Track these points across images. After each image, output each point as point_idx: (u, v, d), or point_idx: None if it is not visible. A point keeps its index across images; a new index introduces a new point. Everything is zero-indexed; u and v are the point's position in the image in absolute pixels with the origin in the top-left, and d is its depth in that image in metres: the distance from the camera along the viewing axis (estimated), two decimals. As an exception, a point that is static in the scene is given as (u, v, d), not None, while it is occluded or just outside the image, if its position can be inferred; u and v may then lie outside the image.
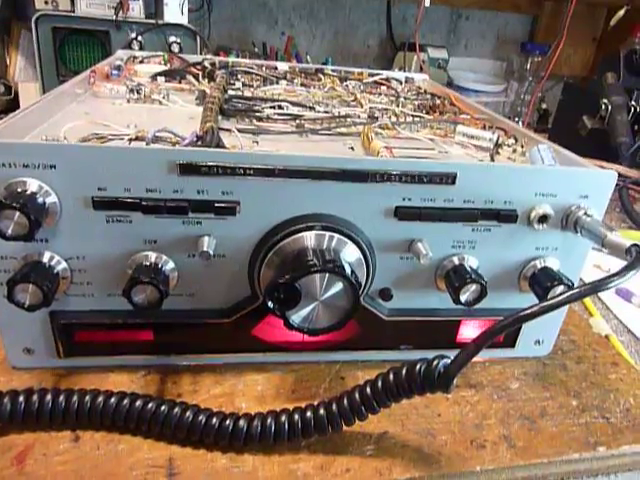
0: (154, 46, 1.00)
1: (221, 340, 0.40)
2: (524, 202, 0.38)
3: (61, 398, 0.33)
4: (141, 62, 0.69)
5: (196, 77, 0.62)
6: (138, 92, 0.53)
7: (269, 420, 0.33)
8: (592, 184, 0.38)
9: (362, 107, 0.56)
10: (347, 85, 0.67)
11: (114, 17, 1.00)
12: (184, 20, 1.06)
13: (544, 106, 1.54)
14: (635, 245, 0.33)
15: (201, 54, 1.01)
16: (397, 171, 0.35)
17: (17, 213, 0.30)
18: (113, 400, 0.34)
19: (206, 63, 0.68)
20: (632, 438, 0.38)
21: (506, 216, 0.38)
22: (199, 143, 0.38)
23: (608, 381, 0.45)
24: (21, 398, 0.33)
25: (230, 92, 0.56)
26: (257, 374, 0.41)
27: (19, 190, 0.31)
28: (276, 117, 0.49)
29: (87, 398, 0.34)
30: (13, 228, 0.30)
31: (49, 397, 0.33)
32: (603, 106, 1.08)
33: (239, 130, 0.44)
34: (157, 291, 0.34)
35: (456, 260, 0.39)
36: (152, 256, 0.35)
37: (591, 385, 0.44)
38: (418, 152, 0.45)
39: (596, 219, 0.37)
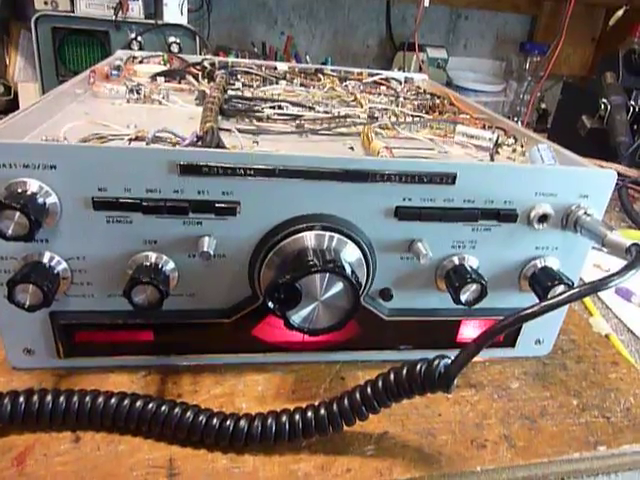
0: (154, 46, 1.00)
1: (221, 340, 0.40)
2: (524, 202, 0.38)
3: (61, 399, 0.33)
4: (141, 62, 0.69)
5: (196, 77, 0.62)
6: (138, 92, 0.53)
7: (270, 420, 0.33)
8: (592, 183, 0.38)
9: (362, 107, 0.56)
10: (347, 85, 0.67)
11: (114, 17, 1.00)
12: (183, 20, 1.06)
13: (543, 106, 1.54)
14: (635, 244, 0.33)
15: (201, 54, 1.01)
16: (397, 171, 0.35)
17: (17, 213, 0.30)
18: (113, 401, 0.34)
19: (206, 63, 0.68)
20: (632, 437, 0.39)
21: (506, 216, 0.38)
22: (199, 143, 0.38)
23: (608, 380, 0.45)
24: (21, 399, 0.33)
25: (230, 92, 0.56)
26: (257, 374, 0.41)
27: (19, 190, 0.31)
28: (276, 117, 0.49)
29: (87, 399, 0.34)
30: (13, 228, 0.30)
31: (49, 398, 0.33)
32: (602, 106, 1.08)
33: (239, 130, 0.44)
34: (157, 291, 0.34)
35: (456, 260, 0.39)
36: (152, 256, 0.35)
37: (591, 384, 0.44)
38: (418, 152, 0.45)
39: (596, 218, 0.37)
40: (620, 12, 1.26)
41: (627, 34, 1.20)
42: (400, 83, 0.74)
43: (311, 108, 0.53)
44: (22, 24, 1.12)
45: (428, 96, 0.67)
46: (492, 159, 0.45)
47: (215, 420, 0.33)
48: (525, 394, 0.42)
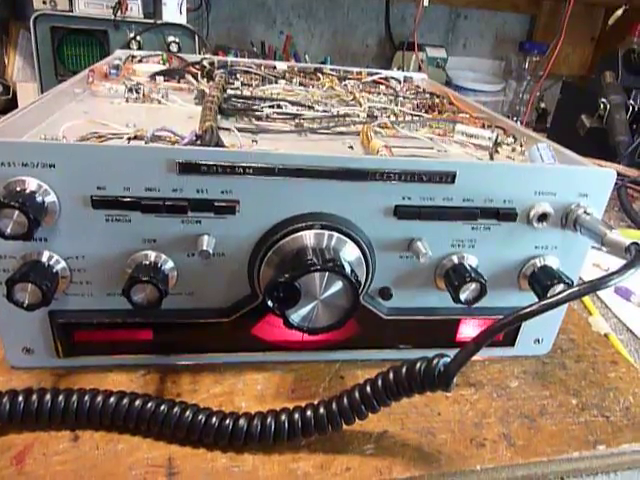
0: (153, 46, 1.00)
1: (221, 339, 0.40)
2: (523, 201, 0.38)
3: (60, 398, 0.33)
4: (140, 61, 0.69)
5: (195, 76, 0.61)
6: (137, 91, 0.53)
7: (269, 419, 0.33)
8: (591, 182, 0.38)
9: (361, 106, 0.56)
10: (346, 84, 0.67)
11: (113, 17, 1.00)
12: (183, 20, 1.06)
13: (543, 105, 1.54)
14: (634, 243, 0.33)
15: (200, 53, 1.01)
16: (396, 170, 0.35)
17: (16, 212, 0.30)
18: (112, 400, 0.34)
19: (205, 62, 0.68)
20: (632, 437, 0.39)
21: (505, 215, 0.38)
22: (198, 142, 0.38)
23: (607, 380, 0.45)
24: (20, 398, 0.33)
25: (229, 91, 0.56)
26: (257, 373, 0.41)
27: (18, 189, 0.31)
28: (275, 116, 0.49)
29: (86, 398, 0.34)
30: (12, 227, 0.30)
31: (48, 397, 0.33)
32: (602, 105, 1.08)
33: (238, 129, 0.44)
34: (156, 290, 0.33)
35: (455, 259, 0.39)
36: (151, 255, 0.35)
37: (590, 384, 0.44)
38: (417, 151, 0.45)
39: (595, 217, 0.37)
40: (619, 11, 1.26)
41: (626, 33, 1.20)
42: (399, 82, 0.74)
43: (310, 107, 0.53)
44: (21, 24, 1.12)
45: (427, 95, 0.67)
46: (491, 158, 0.45)
47: (214, 419, 0.33)
48: (524, 393, 0.42)
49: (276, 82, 0.63)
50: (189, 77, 0.61)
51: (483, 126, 0.53)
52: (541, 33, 1.66)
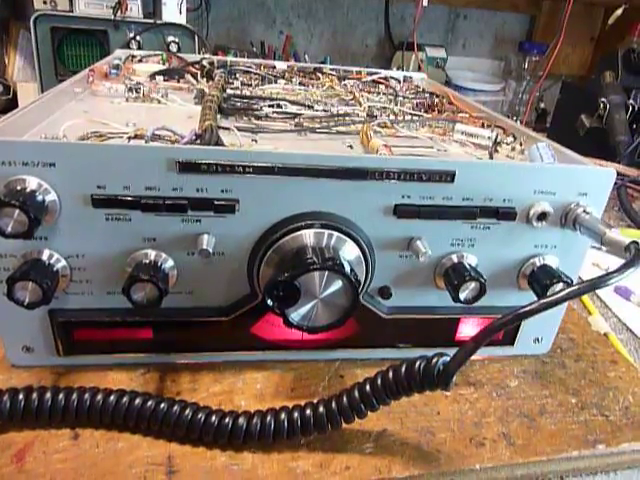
0: (152, 45, 1.00)
1: (220, 338, 0.40)
2: (523, 200, 0.38)
3: (60, 396, 0.33)
4: (140, 61, 0.69)
5: (195, 76, 0.62)
6: (137, 91, 0.53)
7: (268, 418, 0.33)
8: (591, 182, 0.38)
9: (361, 106, 0.56)
10: (345, 84, 0.67)
11: (112, 17, 1.00)
12: (182, 20, 1.06)
13: (542, 105, 1.54)
14: (634, 242, 0.33)
15: (199, 53, 1.01)
16: (396, 169, 0.35)
17: (17, 211, 0.30)
18: (112, 398, 0.34)
19: (204, 62, 0.68)
20: (631, 436, 0.39)
21: (505, 214, 0.38)
22: (198, 141, 0.38)
23: (607, 379, 0.45)
24: (21, 396, 0.33)
25: (229, 91, 0.56)
26: (256, 372, 0.41)
27: (19, 188, 0.31)
28: (275, 116, 0.49)
29: (86, 396, 0.34)
30: (13, 226, 0.30)
31: (48, 395, 0.33)
32: (601, 105, 1.08)
33: (238, 128, 0.44)
34: (156, 289, 0.34)
35: (455, 258, 0.39)
36: (151, 254, 0.35)
37: (590, 383, 0.44)
38: (417, 150, 0.45)
39: (595, 217, 0.37)
40: (619, 11, 1.26)
41: (626, 33, 1.20)
42: (399, 82, 0.74)
43: (310, 107, 0.53)
44: (21, 24, 1.12)
45: (427, 95, 0.67)
46: (491, 157, 0.45)
47: (214, 418, 0.33)
48: (524, 392, 0.42)
49: (276, 82, 0.63)
50: (189, 77, 0.61)
51: (483, 125, 0.53)
52: (541, 33, 1.66)
